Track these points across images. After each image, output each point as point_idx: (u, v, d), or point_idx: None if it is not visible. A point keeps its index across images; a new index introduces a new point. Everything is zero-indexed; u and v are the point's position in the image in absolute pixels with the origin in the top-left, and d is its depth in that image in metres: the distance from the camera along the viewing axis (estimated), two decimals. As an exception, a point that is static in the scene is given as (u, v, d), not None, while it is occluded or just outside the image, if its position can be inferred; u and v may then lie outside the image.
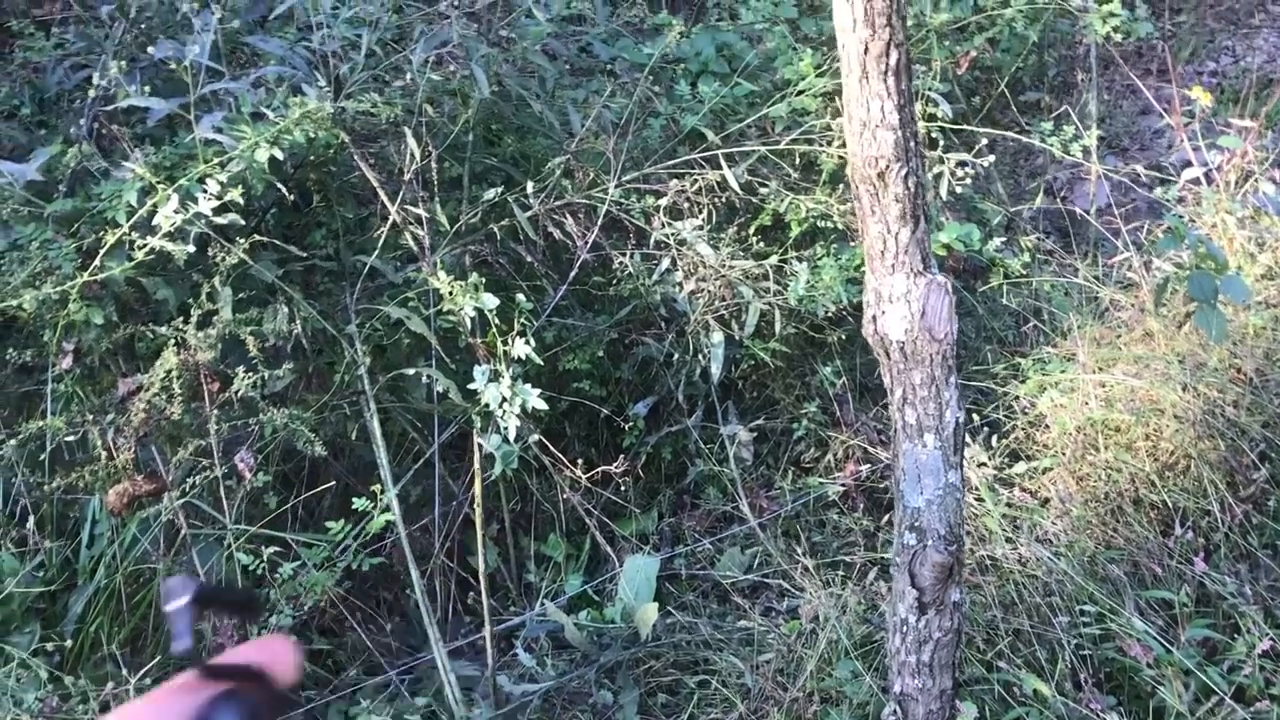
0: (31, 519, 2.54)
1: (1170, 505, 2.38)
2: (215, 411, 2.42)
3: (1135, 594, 2.13)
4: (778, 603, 2.73)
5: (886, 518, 2.88)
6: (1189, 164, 3.41)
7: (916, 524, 1.72)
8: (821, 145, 3.02)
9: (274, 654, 0.51)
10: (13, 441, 2.29)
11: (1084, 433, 2.68)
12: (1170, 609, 2.10)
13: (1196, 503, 2.34)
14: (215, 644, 2.36)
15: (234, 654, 0.51)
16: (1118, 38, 3.07)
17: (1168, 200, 3.14)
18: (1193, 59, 6.21)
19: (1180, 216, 3.16)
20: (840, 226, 3.05)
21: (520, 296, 2.73)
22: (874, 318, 1.65)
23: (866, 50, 1.46)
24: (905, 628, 1.79)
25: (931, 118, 3.04)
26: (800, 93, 3.06)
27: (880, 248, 1.59)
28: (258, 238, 2.59)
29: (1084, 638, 2.06)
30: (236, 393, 2.46)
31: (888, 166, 1.53)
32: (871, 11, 1.44)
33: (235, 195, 2.39)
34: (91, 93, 2.55)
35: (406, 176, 2.75)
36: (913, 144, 1.53)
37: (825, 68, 3.06)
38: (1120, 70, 5.41)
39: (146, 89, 2.52)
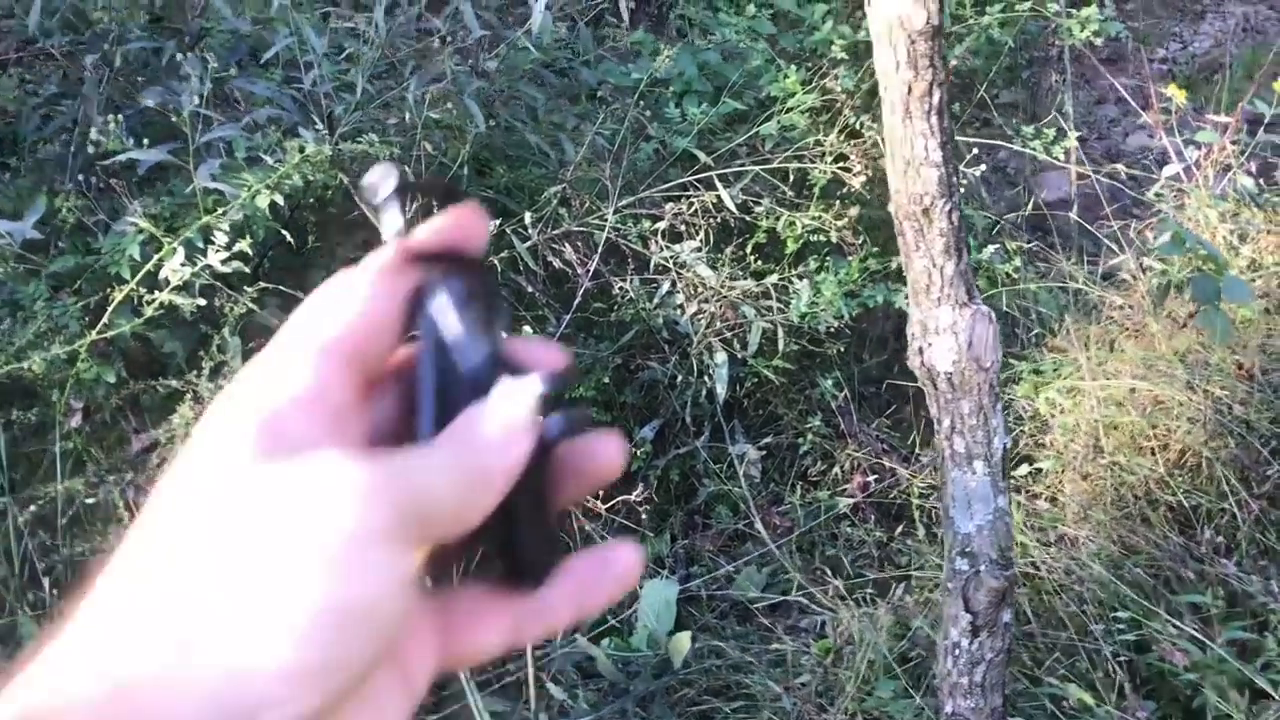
0: (46, 581, 2.50)
1: (1187, 506, 2.43)
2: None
3: (1165, 597, 2.18)
4: (799, 620, 2.75)
5: (899, 528, 2.91)
6: (1167, 160, 3.48)
7: (968, 549, 1.74)
8: (812, 161, 3.05)
9: (467, 227, 0.48)
10: (32, 507, 2.25)
11: (1091, 435, 2.73)
12: (1199, 611, 2.15)
13: (1213, 502, 2.39)
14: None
15: (427, 231, 0.48)
16: (1097, 41, 3.12)
17: (1155, 197, 3.20)
18: (1143, 47, 6.33)
19: (1167, 215, 3.22)
20: (834, 240, 3.08)
21: (526, 329, 2.74)
22: (920, 350, 1.67)
23: (910, 90, 1.48)
24: (958, 650, 1.82)
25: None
26: (789, 110, 3.09)
27: (925, 281, 1.61)
28: (262, 284, 2.57)
29: (1120, 645, 2.10)
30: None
31: (933, 202, 1.55)
32: (915, 53, 1.46)
33: (244, 245, 2.37)
34: (90, 149, 2.51)
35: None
36: (954, 179, 1.56)
37: (813, 84, 3.08)
38: (1075, 62, 5.50)
39: (145, 141, 2.49)
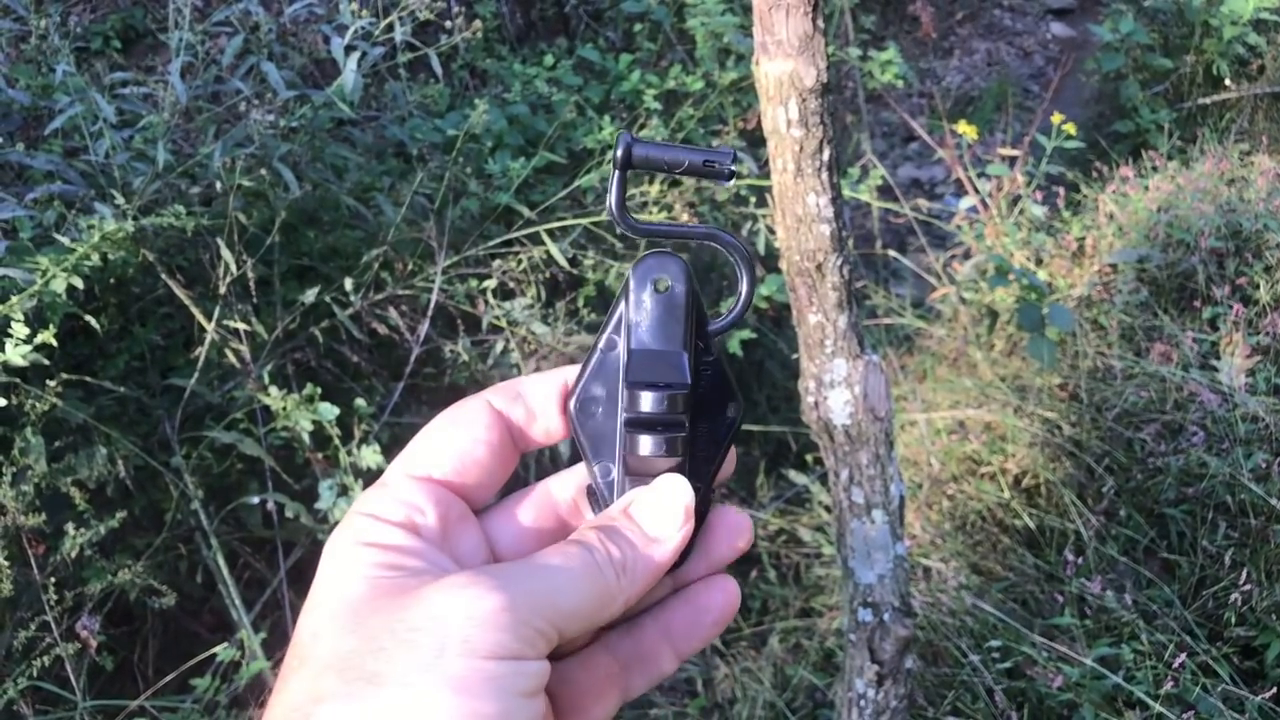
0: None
1: (1032, 527, 2.51)
2: (51, 579, 2.15)
3: (1031, 620, 2.24)
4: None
5: (753, 573, 2.90)
6: (936, 192, 3.64)
7: (870, 600, 1.73)
8: (635, 212, 3.03)
9: None
10: None
11: (928, 466, 2.80)
12: (1065, 630, 2.22)
13: (1057, 522, 2.48)
14: None
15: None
16: (899, 83, 3.24)
17: (957, 228, 3.34)
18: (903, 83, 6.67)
19: (969, 246, 3.36)
20: (662, 289, 3.05)
21: (360, 401, 2.60)
22: (815, 404, 1.65)
23: (801, 148, 1.47)
24: (863, 702, 1.80)
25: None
26: (608, 161, 3.06)
27: (819, 336, 1.60)
28: (65, 376, 2.33)
29: (997, 673, 2.14)
30: (70, 552, 2.20)
31: (825, 258, 1.54)
32: (806, 111, 1.44)
33: (47, 335, 2.14)
34: None
35: (222, 290, 2.55)
36: (843, 234, 1.55)
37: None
38: (840, 98, 5.74)
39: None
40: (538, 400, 0.52)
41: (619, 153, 0.49)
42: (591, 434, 0.51)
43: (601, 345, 0.51)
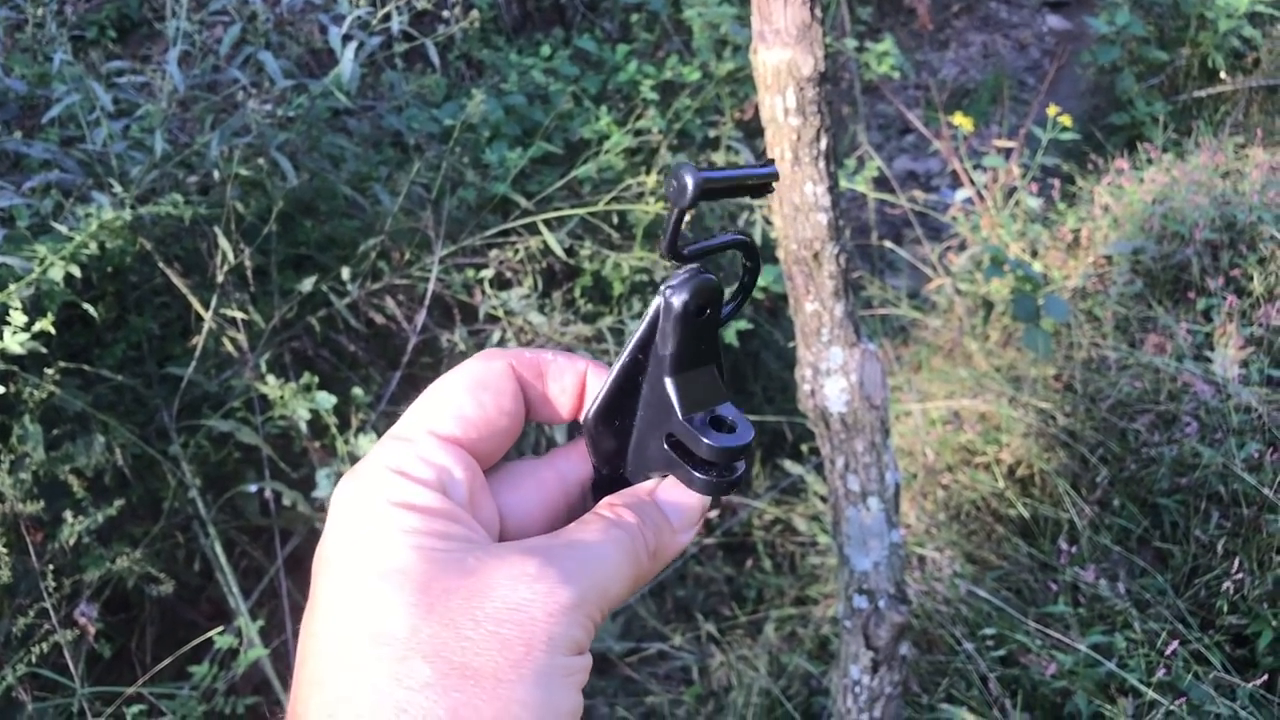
0: None
1: (1026, 517, 2.53)
2: (49, 566, 2.16)
3: (1025, 608, 2.25)
4: (660, 668, 2.71)
5: (749, 562, 2.92)
6: (933, 184, 3.64)
7: (865, 587, 1.74)
8: (631, 202, 3.03)
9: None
10: None
11: (922, 456, 2.81)
12: (1059, 618, 2.23)
13: (1051, 511, 2.50)
14: None
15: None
16: (895, 76, 3.25)
17: (953, 219, 3.34)
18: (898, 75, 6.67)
19: (965, 238, 3.37)
20: (658, 281, 3.07)
21: (357, 390, 2.60)
22: (812, 392, 1.66)
23: (799, 137, 1.47)
24: (858, 688, 1.82)
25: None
26: (606, 151, 3.06)
27: (816, 324, 1.61)
28: (62, 364, 2.34)
29: (991, 661, 2.15)
30: (68, 540, 2.21)
31: (822, 246, 1.54)
32: (803, 100, 1.45)
33: (46, 324, 2.15)
34: None
35: (219, 279, 2.55)
36: (840, 222, 1.56)
37: (627, 125, 3.07)
38: (836, 89, 5.73)
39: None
40: (556, 387, 0.51)
41: (690, 194, 0.43)
42: (606, 451, 0.51)
43: (625, 362, 0.49)
